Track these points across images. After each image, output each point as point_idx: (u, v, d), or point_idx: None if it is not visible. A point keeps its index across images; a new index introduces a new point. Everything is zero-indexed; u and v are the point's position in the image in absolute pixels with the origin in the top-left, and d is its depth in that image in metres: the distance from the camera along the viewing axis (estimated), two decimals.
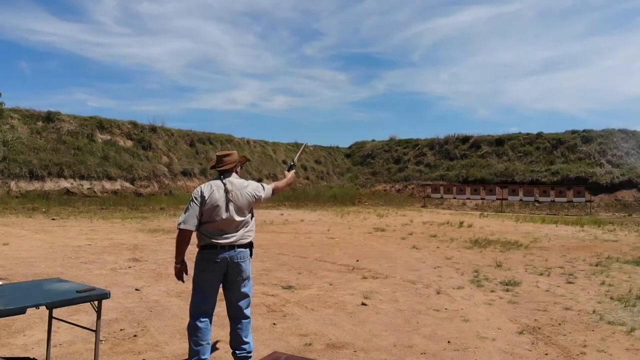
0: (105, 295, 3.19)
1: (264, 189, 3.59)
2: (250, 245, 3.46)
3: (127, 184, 21.98)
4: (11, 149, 19.48)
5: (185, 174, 25.09)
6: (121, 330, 4.36)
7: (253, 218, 3.53)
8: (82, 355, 3.72)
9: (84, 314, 4.56)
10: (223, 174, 3.45)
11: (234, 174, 3.49)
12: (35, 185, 19.13)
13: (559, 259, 8.73)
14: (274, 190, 3.72)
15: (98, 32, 64.38)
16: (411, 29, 79.01)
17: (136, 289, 5.91)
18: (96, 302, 3.16)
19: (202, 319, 3.33)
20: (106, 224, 13.33)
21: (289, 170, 4.08)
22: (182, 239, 3.30)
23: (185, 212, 3.29)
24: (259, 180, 3.77)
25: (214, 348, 3.79)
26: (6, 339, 4.03)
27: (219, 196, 3.32)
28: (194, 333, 3.31)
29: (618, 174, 24.33)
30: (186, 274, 3.42)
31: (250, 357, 3.47)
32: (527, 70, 74.48)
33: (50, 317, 3.43)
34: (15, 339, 4.02)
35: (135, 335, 4.21)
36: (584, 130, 28.30)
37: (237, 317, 3.44)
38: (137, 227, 12.80)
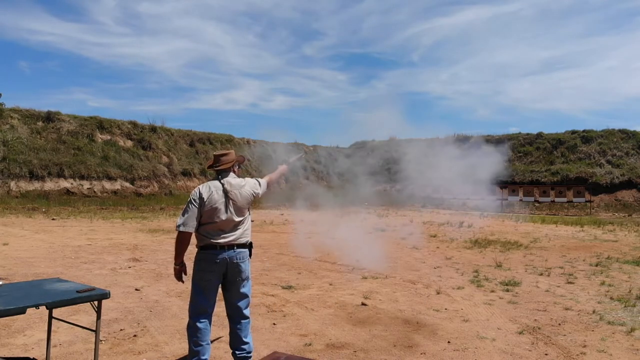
0: (105, 295, 3.19)
1: (261, 185, 3.61)
2: (249, 246, 3.45)
3: (127, 184, 21.98)
4: (11, 149, 19.48)
5: (185, 174, 25.10)
6: (121, 330, 4.36)
7: (250, 217, 3.53)
8: (82, 355, 3.71)
9: (84, 314, 4.56)
10: (221, 174, 3.44)
11: (231, 173, 3.48)
12: (35, 185, 19.14)
13: (559, 259, 8.73)
14: (269, 184, 3.75)
15: (98, 32, 64.36)
16: (411, 29, 79.01)
17: (136, 289, 5.91)
18: (96, 302, 3.17)
19: (202, 320, 3.33)
20: (106, 224, 13.33)
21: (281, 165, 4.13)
22: (182, 240, 3.29)
23: (184, 214, 3.28)
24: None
25: (214, 348, 3.79)
26: (6, 339, 4.03)
27: (218, 197, 3.31)
28: (193, 333, 3.31)
29: (618, 174, 24.34)
30: (185, 274, 3.42)
31: (250, 357, 3.47)
32: (527, 70, 74.47)
33: (50, 317, 3.43)
34: (15, 339, 4.02)
35: (135, 335, 4.21)
36: (584, 131, 28.32)
37: (236, 317, 3.44)
38: (137, 227, 12.80)
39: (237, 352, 3.44)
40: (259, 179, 3.68)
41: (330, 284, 6.47)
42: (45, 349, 3.49)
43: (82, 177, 20.62)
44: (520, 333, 4.46)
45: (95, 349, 3.23)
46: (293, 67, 79.33)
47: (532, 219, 17.89)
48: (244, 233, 3.40)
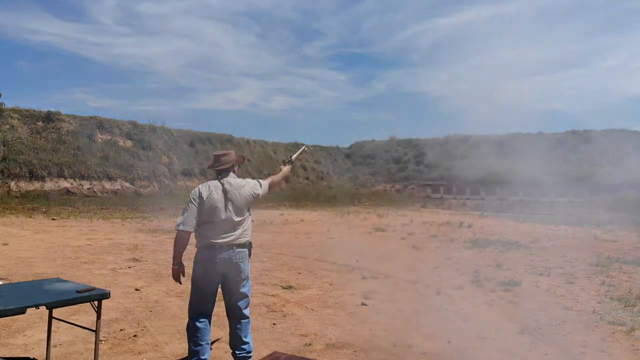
0: (105, 295, 3.19)
1: (261, 186, 3.59)
2: (249, 245, 3.45)
3: (127, 184, 21.97)
4: (11, 149, 19.46)
5: (185, 174, 25.07)
6: (121, 330, 4.36)
7: (250, 217, 3.52)
8: (82, 355, 3.71)
9: (84, 314, 4.55)
10: (221, 174, 3.44)
11: (231, 173, 3.48)
12: (35, 185, 19.12)
13: (559, 259, 8.72)
14: (270, 186, 3.72)
15: (98, 32, 64.13)
16: (411, 29, 78.85)
17: (136, 289, 5.91)
18: (96, 302, 3.16)
19: (201, 319, 3.33)
20: (106, 224, 13.33)
21: (284, 165, 4.09)
22: (181, 240, 3.28)
23: (183, 213, 3.28)
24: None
25: (214, 348, 3.79)
26: (6, 339, 4.03)
27: (218, 197, 3.31)
28: (193, 333, 3.31)
29: (618, 174, 24.33)
30: (183, 275, 3.40)
31: (250, 357, 3.47)
32: (527, 70, 74.21)
33: (50, 317, 3.43)
34: (15, 339, 4.02)
35: (135, 335, 4.21)
36: (584, 130, 28.36)
37: (236, 317, 3.44)
38: (137, 227, 12.80)
39: (237, 352, 3.44)
40: (260, 180, 3.67)
41: (330, 284, 6.47)
42: (45, 349, 3.49)
43: (82, 177, 20.60)
44: (520, 333, 4.46)
45: (95, 349, 3.22)
46: (293, 67, 79.15)
47: (532, 219, 17.85)
48: (243, 233, 3.40)
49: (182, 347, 3.78)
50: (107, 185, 21.25)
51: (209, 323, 3.39)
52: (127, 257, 8.18)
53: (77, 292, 3.10)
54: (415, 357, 3.85)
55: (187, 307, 3.43)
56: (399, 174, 32.19)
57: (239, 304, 3.42)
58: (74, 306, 3.59)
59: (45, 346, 3.48)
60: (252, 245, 3.52)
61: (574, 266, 8.03)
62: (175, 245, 3.31)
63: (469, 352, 3.95)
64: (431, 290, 6.18)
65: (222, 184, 3.37)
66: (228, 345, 3.57)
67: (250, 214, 3.51)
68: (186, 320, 3.41)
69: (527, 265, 8.11)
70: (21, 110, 21.92)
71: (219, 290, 3.43)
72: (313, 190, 28.76)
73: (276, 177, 3.89)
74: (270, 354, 3.70)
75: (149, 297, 5.59)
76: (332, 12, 77.33)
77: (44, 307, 2.93)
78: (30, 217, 14.46)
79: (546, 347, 4.08)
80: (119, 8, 65.68)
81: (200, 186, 3.39)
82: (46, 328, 3.48)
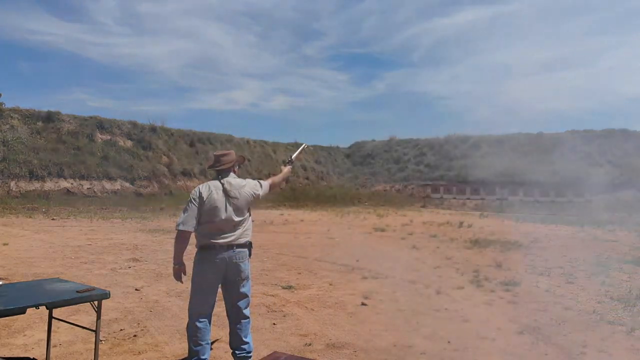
0: (105, 295, 3.19)
1: (262, 187, 3.59)
2: (249, 245, 3.45)
3: (127, 184, 21.97)
4: (11, 149, 19.47)
5: (185, 174, 25.08)
6: (121, 330, 4.36)
7: (250, 217, 3.52)
8: (82, 355, 3.71)
9: (84, 314, 4.55)
10: (221, 174, 3.44)
11: (231, 173, 3.48)
12: (35, 185, 19.12)
13: (559, 259, 8.72)
14: (271, 186, 3.72)
15: (98, 32, 64.15)
16: (411, 29, 78.90)
17: (136, 289, 5.91)
18: (96, 302, 3.17)
19: (201, 319, 3.33)
20: (106, 224, 13.34)
21: (285, 165, 4.09)
22: (181, 239, 3.29)
23: (183, 213, 3.28)
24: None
25: (214, 348, 3.79)
26: (6, 339, 4.03)
27: (218, 197, 3.31)
28: (193, 333, 3.31)
29: (618, 174, 24.34)
30: (184, 274, 3.41)
31: (250, 357, 3.47)
32: (527, 70, 74.26)
33: (50, 317, 3.43)
34: (15, 339, 4.02)
35: (135, 335, 4.21)
36: (584, 130, 28.36)
37: (236, 317, 3.44)
38: (137, 227, 12.80)
39: (237, 352, 3.44)
40: (261, 181, 3.67)
41: (330, 284, 6.47)
42: (45, 349, 3.49)
43: (82, 177, 20.60)
44: (520, 333, 4.46)
45: (95, 349, 3.23)
46: (293, 67, 79.13)
47: (532, 219, 17.85)
48: (243, 233, 3.40)
49: (182, 347, 3.78)
50: (107, 185, 21.25)
51: (209, 323, 3.39)
52: (127, 257, 8.18)
53: (77, 292, 3.10)
54: (415, 357, 3.85)
55: (187, 307, 3.43)
56: (399, 174, 32.21)
57: (239, 304, 3.43)
58: (74, 306, 3.60)
59: (45, 346, 3.48)
60: (252, 245, 3.52)
61: (574, 266, 8.04)
62: (175, 245, 3.32)
63: (469, 352, 3.95)
64: (431, 290, 6.18)
65: (223, 184, 3.37)
66: (228, 345, 3.57)
67: (250, 214, 3.51)
68: (186, 320, 3.41)
69: (527, 265, 8.11)
70: (21, 110, 21.92)
71: (219, 290, 3.43)
72: (313, 190, 28.75)
73: (277, 178, 3.90)
74: (270, 354, 3.69)
75: (149, 297, 5.59)
76: (332, 12, 77.37)
77: (44, 307, 2.93)
78: (30, 217, 14.46)
79: (546, 347, 4.08)
80: (119, 8, 65.73)
81: (200, 186, 3.39)
82: (46, 328, 3.48)
